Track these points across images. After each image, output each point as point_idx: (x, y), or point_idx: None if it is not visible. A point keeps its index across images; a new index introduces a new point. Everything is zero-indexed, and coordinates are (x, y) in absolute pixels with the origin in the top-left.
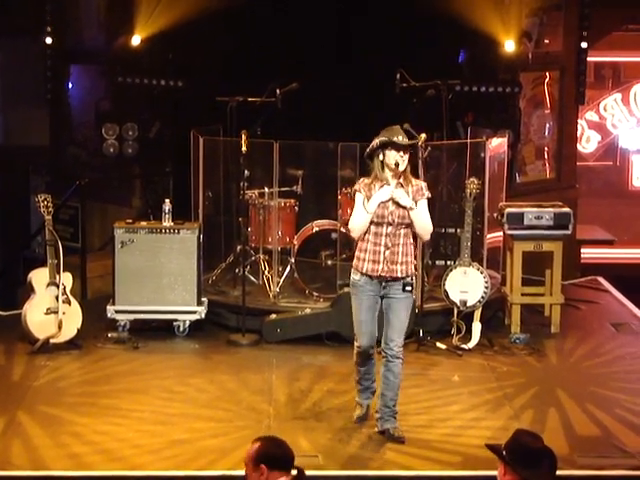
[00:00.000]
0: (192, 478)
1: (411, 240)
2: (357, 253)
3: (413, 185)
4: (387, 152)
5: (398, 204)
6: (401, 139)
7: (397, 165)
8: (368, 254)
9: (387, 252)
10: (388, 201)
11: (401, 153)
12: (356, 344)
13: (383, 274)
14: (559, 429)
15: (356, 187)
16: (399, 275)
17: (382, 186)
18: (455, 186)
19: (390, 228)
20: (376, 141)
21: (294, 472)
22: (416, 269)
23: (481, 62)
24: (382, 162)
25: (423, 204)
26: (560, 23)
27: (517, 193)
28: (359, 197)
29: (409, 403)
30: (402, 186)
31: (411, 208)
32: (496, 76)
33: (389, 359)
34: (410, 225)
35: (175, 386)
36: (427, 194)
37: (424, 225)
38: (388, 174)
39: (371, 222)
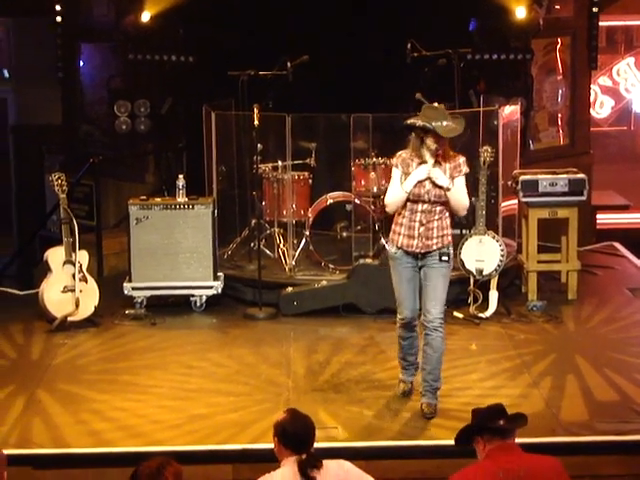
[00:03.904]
0: (213, 452)
1: (447, 214)
2: (393, 226)
3: (451, 161)
4: (428, 135)
5: (435, 183)
6: (445, 124)
7: (437, 149)
8: (404, 228)
9: (422, 228)
10: (425, 180)
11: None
12: (399, 317)
13: (417, 250)
14: (578, 395)
15: (393, 161)
16: (434, 248)
17: (420, 164)
18: (469, 155)
19: (426, 205)
20: (419, 122)
21: (303, 456)
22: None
23: (492, 30)
24: (422, 139)
25: (460, 181)
26: None
27: (531, 160)
28: (396, 173)
29: None
30: (440, 164)
31: (448, 188)
32: (507, 43)
33: (428, 332)
34: (446, 202)
35: (193, 361)
36: (465, 170)
37: (460, 203)
38: (427, 152)
39: (407, 199)
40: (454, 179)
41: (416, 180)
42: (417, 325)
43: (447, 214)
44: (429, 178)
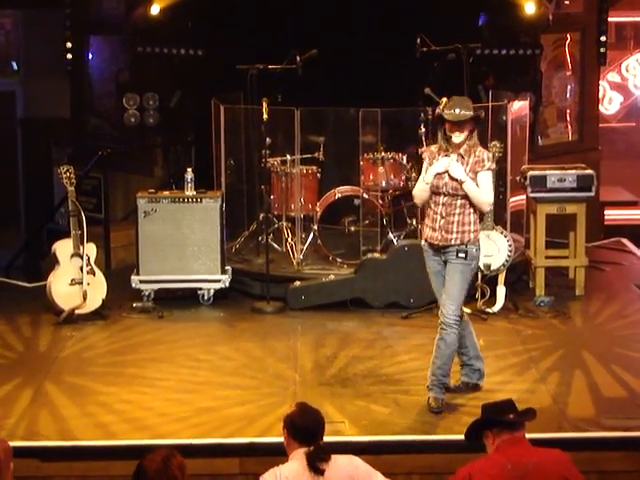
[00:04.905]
0: (220, 446)
1: (470, 210)
2: (425, 219)
3: (475, 156)
4: (446, 125)
5: (451, 175)
6: (457, 112)
7: (456, 141)
8: (429, 220)
9: (442, 221)
10: (444, 172)
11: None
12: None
13: (437, 242)
14: (585, 391)
15: (422, 155)
16: (452, 243)
17: (445, 156)
18: None
19: (446, 198)
20: (437, 112)
21: (312, 448)
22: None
23: (501, 25)
24: (445, 132)
25: (482, 176)
26: None
27: (539, 156)
28: (424, 165)
29: None
30: (462, 157)
31: (462, 181)
32: (517, 39)
33: (442, 327)
34: (467, 196)
35: (201, 354)
36: (488, 165)
37: (478, 198)
38: (442, 141)
39: (431, 191)
40: (477, 174)
41: (435, 172)
42: (462, 321)
43: (471, 210)
44: (447, 171)
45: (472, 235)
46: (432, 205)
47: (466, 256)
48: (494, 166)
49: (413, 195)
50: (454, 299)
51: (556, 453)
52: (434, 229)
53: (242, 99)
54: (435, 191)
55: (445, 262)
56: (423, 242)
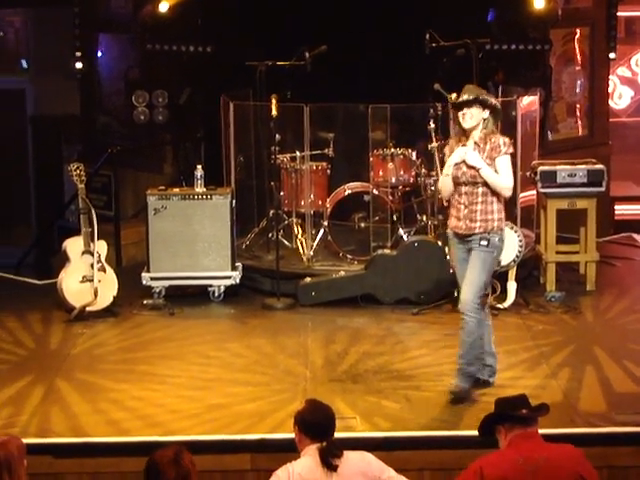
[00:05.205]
0: (231, 442)
1: (494, 199)
2: (450, 208)
3: (491, 143)
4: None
5: (467, 164)
6: (465, 97)
7: (465, 128)
8: (453, 210)
9: (466, 210)
10: (461, 162)
11: (464, 111)
12: None
13: (462, 231)
14: (596, 386)
15: (444, 149)
16: (476, 232)
17: (462, 146)
18: None
19: (467, 187)
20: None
21: (324, 444)
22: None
23: (511, 20)
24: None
25: (500, 161)
26: None
27: (549, 151)
28: (446, 159)
29: (445, 363)
30: (479, 146)
31: (478, 168)
32: (526, 34)
33: (462, 316)
34: (487, 183)
35: (211, 351)
36: (504, 150)
37: (495, 183)
38: (454, 129)
39: (454, 182)
40: (494, 160)
41: (453, 162)
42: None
43: (494, 198)
44: (464, 160)
45: (496, 224)
46: (456, 195)
47: (488, 244)
48: (511, 150)
49: (438, 190)
50: (473, 285)
51: (569, 449)
52: (458, 218)
53: (251, 95)
54: (456, 181)
55: (470, 251)
56: (449, 231)
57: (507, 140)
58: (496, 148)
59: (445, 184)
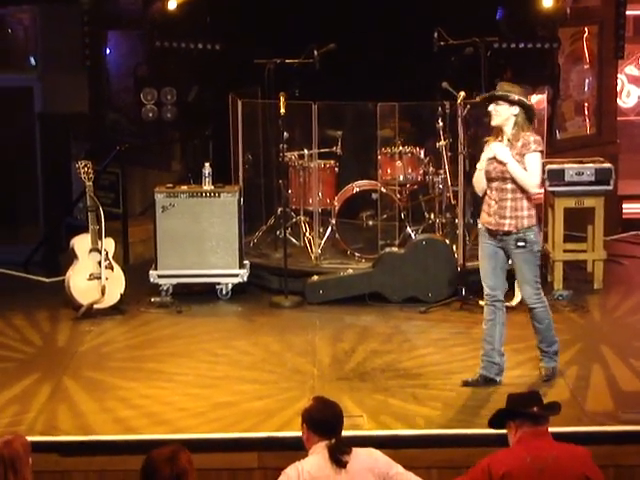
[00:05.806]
0: (238, 440)
1: (524, 195)
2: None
3: (524, 140)
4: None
5: (497, 159)
6: (488, 94)
7: (496, 125)
8: (485, 205)
9: (496, 206)
10: (494, 157)
11: (491, 107)
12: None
13: (492, 227)
14: (603, 385)
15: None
16: (507, 229)
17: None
18: None
19: (497, 183)
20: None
21: (332, 441)
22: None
23: (519, 18)
24: None
25: (529, 158)
26: None
27: (557, 149)
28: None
29: (453, 362)
30: (512, 143)
31: (505, 162)
32: (534, 32)
33: (529, 309)
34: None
35: (219, 349)
36: (534, 147)
37: (522, 179)
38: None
39: (486, 177)
40: (524, 156)
41: (485, 157)
42: (499, 309)
43: (524, 195)
44: (495, 155)
45: (526, 221)
46: (488, 191)
47: (525, 243)
48: (541, 148)
49: (473, 184)
50: (526, 282)
51: (577, 449)
52: (489, 214)
53: (260, 93)
54: (488, 177)
55: (502, 248)
56: (480, 225)
57: (538, 138)
58: (526, 145)
59: (478, 179)
